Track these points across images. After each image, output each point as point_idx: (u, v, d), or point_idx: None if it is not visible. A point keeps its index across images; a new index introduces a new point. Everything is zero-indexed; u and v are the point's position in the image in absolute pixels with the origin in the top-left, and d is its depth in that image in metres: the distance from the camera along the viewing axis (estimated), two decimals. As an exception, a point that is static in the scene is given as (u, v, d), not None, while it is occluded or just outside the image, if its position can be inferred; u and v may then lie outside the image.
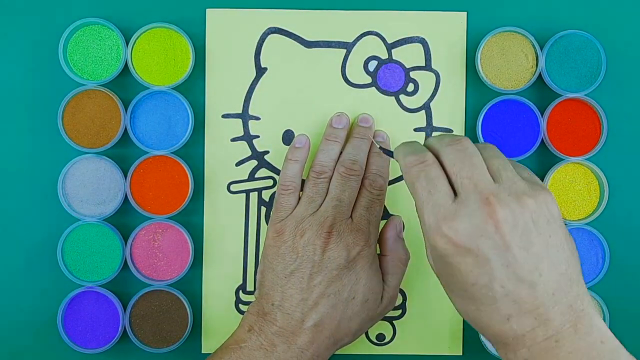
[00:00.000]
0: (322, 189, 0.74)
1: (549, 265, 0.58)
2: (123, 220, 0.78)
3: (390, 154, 0.66)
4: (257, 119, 0.79)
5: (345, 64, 0.79)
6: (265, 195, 0.79)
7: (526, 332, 0.59)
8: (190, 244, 0.77)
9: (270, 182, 0.79)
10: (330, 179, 0.75)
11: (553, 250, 0.59)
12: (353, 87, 0.79)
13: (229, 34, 0.79)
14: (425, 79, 0.79)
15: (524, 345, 0.59)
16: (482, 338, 0.78)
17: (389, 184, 0.79)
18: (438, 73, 0.79)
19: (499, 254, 0.58)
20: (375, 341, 0.80)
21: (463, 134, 0.79)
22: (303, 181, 0.76)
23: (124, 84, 0.78)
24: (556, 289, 0.58)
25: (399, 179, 0.79)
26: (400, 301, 0.79)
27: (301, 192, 0.75)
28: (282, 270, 0.72)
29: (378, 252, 0.76)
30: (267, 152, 0.79)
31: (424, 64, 0.79)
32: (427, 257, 0.62)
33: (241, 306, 0.79)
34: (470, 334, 0.79)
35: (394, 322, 0.80)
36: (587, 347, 0.58)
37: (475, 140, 0.78)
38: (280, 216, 0.74)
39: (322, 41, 0.79)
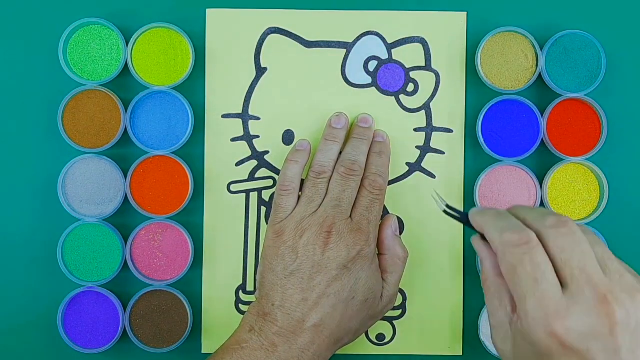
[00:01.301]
0: (321, 189, 0.74)
1: None
2: (123, 220, 0.78)
3: (462, 218, 0.62)
4: (257, 119, 0.79)
5: (345, 64, 0.79)
6: (265, 195, 0.79)
7: None
8: (190, 244, 0.78)
9: (270, 182, 0.79)
10: (330, 179, 0.75)
11: None
12: (353, 87, 0.79)
13: (229, 34, 0.79)
14: (425, 79, 0.79)
15: None
16: (482, 338, 0.78)
17: (389, 184, 0.79)
18: (438, 73, 0.79)
19: (608, 356, 0.54)
20: (375, 341, 0.80)
21: (463, 134, 0.79)
22: (302, 182, 0.76)
23: (124, 84, 0.78)
24: None
25: (398, 179, 0.79)
26: (400, 301, 0.79)
27: (300, 193, 0.75)
28: (282, 270, 0.72)
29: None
30: (267, 152, 0.79)
31: (424, 64, 0.79)
32: (498, 343, 0.59)
33: (241, 306, 0.79)
34: (470, 334, 0.79)
35: (394, 322, 0.80)
36: None
37: (475, 141, 0.78)
38: (279, 217, 0.74)
39: (322, 41, 0.79)
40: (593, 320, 0.54)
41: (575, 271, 0.55)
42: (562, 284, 0.55)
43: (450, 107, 0.79)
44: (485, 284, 0.60)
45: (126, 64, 0.77)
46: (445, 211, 0.63)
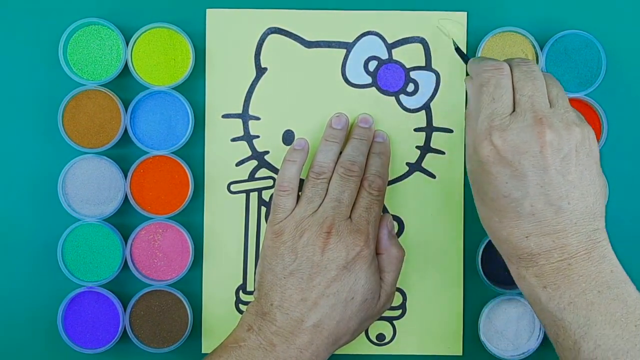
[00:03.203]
0: (321, 189, 0.74)
1: (579, 196, 0.63)
2: (123, 220, 0.78)
3: (465, 56, 0.73)
4: (257, 119, 0.79)
5: (345, 64, 0.79)
6: (266, 195, 0.79)
7: (542, 252, 0.63)
8: (190, 244, 0.78)
9: (270, 182, 0.79)
10: (330, 180, 0.75)
11: (585, 182, 0.63)
12: (353, 87, 0.79)
13: (229, 34, 0.79)
14: (425, 79, 0.79)
15: (536, 263, 0.64)
16: (482, 338, 0.78)
17: (389, 184, 0.79)
18: (438, 73, 0.79)
19: (537, 173, 0.63)
20: (375, 341, 0.80)
21: (463, 134, 0.79)
22: (300, 182, 0.76)
23: (124, 84, 0.78)
24: (579, 219, 0.63)
25: (398, 179, 0.79)
26: (400, 301, 0.79)
27: (300, 193, 0.75)
28: (281, 270, 0.72)
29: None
30: (267, 152, 0.79)
31: (424, 64, 0.79)
32: (466, 162, 0.68)
33: (241, 306, 0.79)
34: (470, 334, 0.79)
35: (394, 322, 0.80)
36: (597, 272, 0.63)
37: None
38: (278, 217, 0.74)
39: (322, 41, 0.79)
40: (527, 137, 0.63)
41: (523, 98, 0.65)
42: (514, 108, 0.65)
43: (450, 107, 0.79)
44: (469, 115, 0.68)
45: (126, 64, 0.77)
46: (456, 49, 0.75)
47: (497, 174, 0.64)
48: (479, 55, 0.77)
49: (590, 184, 0.64)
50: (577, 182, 0.63)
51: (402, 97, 0.79)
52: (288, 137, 0.79)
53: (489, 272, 0.78)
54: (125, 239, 0.78)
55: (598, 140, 0.77)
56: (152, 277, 0.78)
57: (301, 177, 0.76)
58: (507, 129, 0.63)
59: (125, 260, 0.77)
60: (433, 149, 0.79)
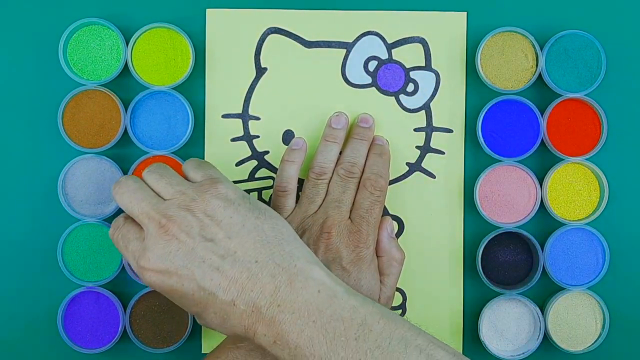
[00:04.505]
0: (321, 190, 0.74)
1: (239, 242, 0.63)
2: (123, 220, 0.78)
3: None
4: (257, 119, 0.79)
5: (345, 64, 0.79)
6: (265, 195, 0.79)
7: (251, 308, 0.61)
8: (190, 244, 0.77)
9: (270, 182, 0.79)
10: (330, 180, 0.75)
11: (236, 228, 0.63)
12: (353, 87, 0.79)
13: (229, 34, 0.79)
14: (425, 79, 0.79)
15: (255, 322, 0.61)
16: (482, 338, 0.78)
17: (389, 184, 0.79)
18: (438, 73, 0.79)
19: (191, 260, 0.63)
20: (375, 341, 0.80)
21: (463, 134, 0.79)
22: (299, 181, 0.76)
23: (124, 84, 0.78)
24: (257, 256, 0.62)
25: (398, 179, 0.79)
26: (400, 301, 0.79)
27: (299, 192, 0.75)
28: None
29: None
30: (267, 152, 0.79)
31: (424, 64, 0.79)
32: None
33: (241, 306, 0.79)
34: (470, 334, 0.79)
35: (394, 322, 0.79)
36: (305, 302, 0.61)
37: (475, 141, 0.78)
38: (278, 218, 0.74)
39: (322, 41, 0.79)
40: (161, 244, 0.63)
41: (139, 216, 0.65)
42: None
43: (450, 107, 0.79)
44: None
45: (126, 64, 0.77)
46: None
47: (175, 286, 0.63)
48: (480, 54, 0.77)
49: (244, 226, 0.63)
50: (230, 234, 0.63)
51: (402, 97, 0.79)
52: (288, 137, 0.79)
53: (489, 272, 0.78)
54: (125, 239, 0.78)
55: (597, 140, 0.77)
56: (152, 277, 0.78)
57: (300, 177, 0.76)
58: (145, 252, 0.64)
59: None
60: (433, 149, 0.79)
